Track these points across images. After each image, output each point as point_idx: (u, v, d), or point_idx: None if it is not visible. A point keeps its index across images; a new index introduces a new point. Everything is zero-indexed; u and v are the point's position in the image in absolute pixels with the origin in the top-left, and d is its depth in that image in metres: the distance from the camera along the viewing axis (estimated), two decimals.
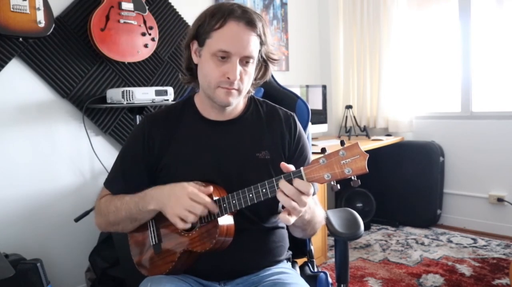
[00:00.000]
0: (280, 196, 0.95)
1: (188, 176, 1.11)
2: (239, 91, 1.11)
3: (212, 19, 1.07)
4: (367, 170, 0.90)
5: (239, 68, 1.07)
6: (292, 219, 0.96)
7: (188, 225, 1.02)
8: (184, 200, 1.00)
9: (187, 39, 1.15)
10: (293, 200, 0.94)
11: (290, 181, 0.95)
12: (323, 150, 0.97)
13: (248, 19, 1.06)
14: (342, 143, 0.93)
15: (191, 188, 1.02)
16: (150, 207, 1.08)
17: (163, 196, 1.05)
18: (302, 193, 0.94)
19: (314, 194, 1.20)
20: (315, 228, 1.17)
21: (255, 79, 1.18)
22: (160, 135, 1.18)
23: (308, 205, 1.02)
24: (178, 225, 1.02)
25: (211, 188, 1.04)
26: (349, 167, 0.91)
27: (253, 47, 1.08)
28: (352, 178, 0.92)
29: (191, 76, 1.20)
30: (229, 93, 1.10)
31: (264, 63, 1.18)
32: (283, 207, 0.98)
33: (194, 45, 1.13)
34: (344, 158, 0.91)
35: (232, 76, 1.07)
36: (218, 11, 1.08)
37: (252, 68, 1.12)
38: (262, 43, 1.11)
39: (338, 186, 0.95)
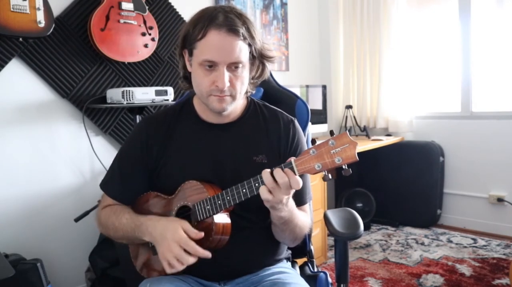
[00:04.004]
0: (265, 175, 0.97)
1: (185, 178, 1.11)
2: (232, 96, 1.10)
3: (195, 29, 1.06)
4: (357, 158, 0.90)
5: (227, 75, 1.06)
6: (270, 197, 0.97)
7: (175, 272, 1.01)
8: (174, 248, 0.99)
9: (178, 49, 1.15)
10: (276, 183, 0.95)
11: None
12: (313, 141, 0.98)
13: (229, 26, 1.04)
14: (331, 133, 0.94)
15: (182, 234, 1.00)
16: (145, 238, 1.09)
17: (156, 234, 1.05)
18: (277, 182, 0.95)
19: (304, 203, 1.21)
20: (295, 232, 1.14)
21: (252, 78, 1.18)
22: (159, 137, 1.18)
23: (289, 206, 1.04)
24: (166, 269, 1.02)
25: (202, 234, 1.02)
26: (339, 156, 0.91)
27: (239, 52, 1.06)
28: (343, 167, 0.92)
29: (188, 83, 1.19)
30: (221, 100, 1.09)
31: (259, 61, 1.16)
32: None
33: (186, 55, 1.13)
34: (334, 148, 0.92)
35: (221, 84, 1.06)
36: (200, 20, 1.06)
37: (243, 71, 1.10)
38: (250, 44, 1.09)
39: (330, 176, 0.95)
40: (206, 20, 1.05)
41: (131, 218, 1.13)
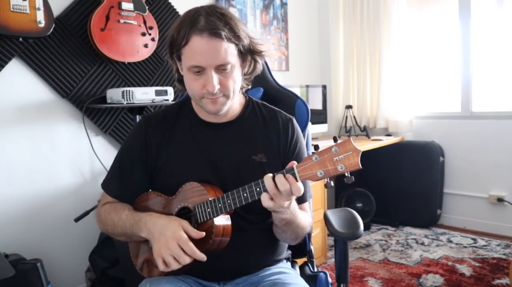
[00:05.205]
0: (267, 181, 0.96)
1: (185, 177, 1.11)
2: (225, 96, 1.09)
3: (178, 35, 1.05)
4: (360, 166, 0.89)
5: (216, 78, 1.05)
6: (272, 204, 0.97)
7: (168, 270, 1.01)
8: (172, 246, 0.99)
9: (168, 54, 1.14)
10: (278, 189, 0.95)
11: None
12: (316, 147, 0.97)
13: (210, 29, 1.02)
14: (335, 139, 0.93)
15: (183, 234, 1.00)
16: (142, 234, 1.08)
17: (155, 230, 1.04)
18: (278, 189, 0.95)
19: (304, 201, 1.20)
20: (296, 232, 1.14)
21: (245, 74, 1.16)
22: (158, 136, 1.18)
23: (291, 208, 1.04)
24: (160, 267, 1.01)
25: (203, 233, 1.02)
26: (342, 164, 0.90)
27: (225, 54, 1.04)
28: (346, 174, 0.91)
29: (183, 86, 1.18)
30: (215, 102, 1.09)
31: (250, 57, 1.14)
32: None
33: (176, 59, 1.13)
34: (337, 155, 0.91)
35: (210, 88, 1.05)
36: (182, 25, 1.05)
37: (233, 71, 1.09)
38: (236, 43, 1.07)
39: (332, 183, 0.94)
40: (187, 25, 1.04)
41: (130, 214, 1.13)
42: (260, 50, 1.15)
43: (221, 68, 1.06)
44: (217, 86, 1.06)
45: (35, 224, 2.12)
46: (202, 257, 1.00)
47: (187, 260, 0.99)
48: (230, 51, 1.06)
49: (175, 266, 0.99)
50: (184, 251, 0.99)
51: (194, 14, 1.05)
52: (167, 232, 1.01)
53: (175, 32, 1.07)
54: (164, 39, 2.52)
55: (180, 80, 1.18)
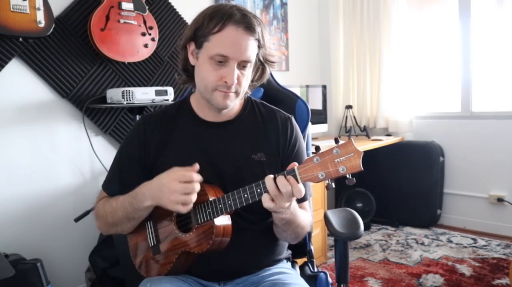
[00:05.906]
0: (268, 182, 0.96)
1: None
2: (236, 93, 1.11)
3: (211, 22, 1.06)
4: (362, 168, 0.89)
5: (236, 72, 1.07)
6: (272, 205, 0.97)
7: (191, 207, 1.01)
8: (175, 186, 0.99)
9: (184, 40, 1.14)
10: (279, 190, 0.95)
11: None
12: (317, 148, 0.96)
13: (247, 23, 1.06)
14: (336, 141, 0.93)
15: (176, 172, 1.01)
16: (146, 203, 1.07)
17: (154, 190, 1.04)
18: (279, 190, 0.95)
19: (304, 200, 1.20)
20: (296, 232, 1.14)
21: (252, 81, 1.18)
22: (157, 136, 1.18)
23: (292, 208, 1.04)
24: (181, 210, 1.01)
25: (196, 165, 1.03)
26: (343, 165, 0.90)
27: (251, 51, 1.08)
28: (347, 176, 0.91)
29: (187, 77, 1.20)
30: (226, 97, 1.10)
31: (261, 65, 1.18)
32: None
33: (191, 47, 1.12)
34: (338, 156, 0.90)
35: (230, 80, 1.06)
36: (217, 14, 1.06)
37: (249, 71, 1.12)
38: (260, 46, 1.11)
39: (333, 185, 0.94)
40: (224, 15, 1.05)
41: (126, 195, 1.12)
42: (272, 61, 1.19)
43: (242, 65, 1.08)
44: (236, 81, 1.07)
45: (35, 224, 2.12)
46: (200, 178, 1.02)
47: (196, 187, 1.00)
48: (254, 51, 1.10)
49: (192, 199, 1.00)
50: (188, 183, 0.99)
51: (229, 8, 1.07)
52: (163, 180, 1.02)
53: (207, 19, 1.07)
54: (164, 39, 2.53)
55: (186, 69, 1.19)
